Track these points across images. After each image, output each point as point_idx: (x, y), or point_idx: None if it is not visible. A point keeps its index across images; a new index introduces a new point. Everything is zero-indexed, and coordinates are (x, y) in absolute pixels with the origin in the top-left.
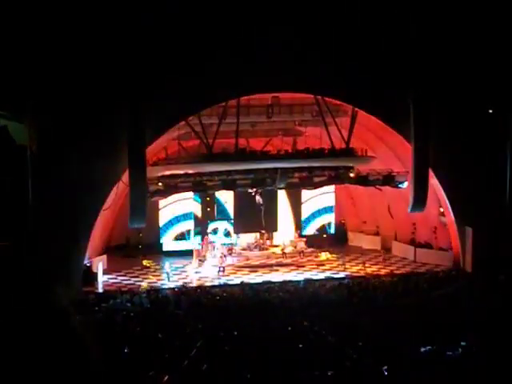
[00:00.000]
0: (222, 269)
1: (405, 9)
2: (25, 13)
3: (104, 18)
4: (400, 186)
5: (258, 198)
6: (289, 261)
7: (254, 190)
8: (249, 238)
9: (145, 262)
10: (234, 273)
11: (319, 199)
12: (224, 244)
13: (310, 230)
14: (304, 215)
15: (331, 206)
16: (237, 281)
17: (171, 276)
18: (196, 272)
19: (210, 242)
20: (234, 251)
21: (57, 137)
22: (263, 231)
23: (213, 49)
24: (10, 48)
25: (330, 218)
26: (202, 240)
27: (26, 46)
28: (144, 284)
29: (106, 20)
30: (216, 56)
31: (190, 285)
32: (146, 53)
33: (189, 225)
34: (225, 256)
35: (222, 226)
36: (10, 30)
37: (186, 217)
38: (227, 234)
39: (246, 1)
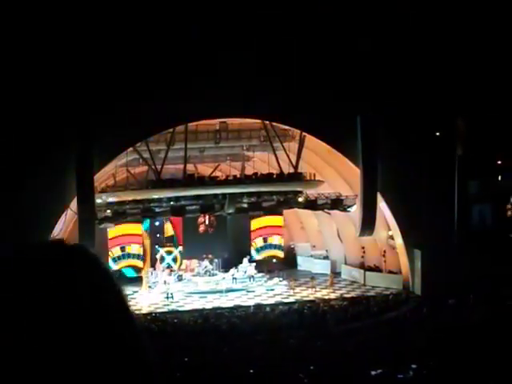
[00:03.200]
0: (170, 295)
1: (352, 32)
2: None
3: (52, 46)
4: (348, 209)
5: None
6: (239, 286)
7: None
8: (198, 263)
9: None
10: (184, 299)
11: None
12: (168, 266)
13: (259, 255)
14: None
15: (280, 245)
16: (187, 307)
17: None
18: (145, 298)
19: (161, 268)
20: (183, 277)
21: (4, 167)
22: (212, 257)
23: (160, 75)
24: None
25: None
26: (153, 266)
27: None
28: None
29: (55, 48)
30: (163, 82)
31: (140, 311)
32: (94, 80)
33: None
34: (168, 283)
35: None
36: None
37: (136, 256)
38: (174, 260)
39: (194, 27)
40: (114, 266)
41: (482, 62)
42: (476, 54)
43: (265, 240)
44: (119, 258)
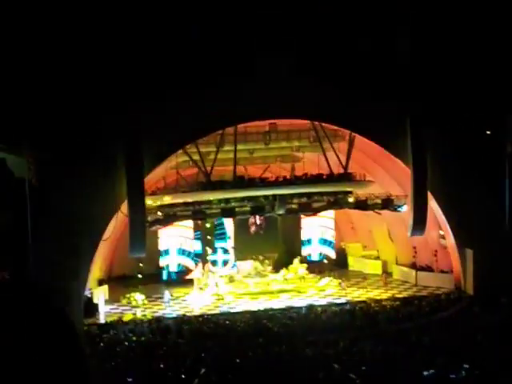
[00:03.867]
0: (221, 297)
1: (399, 32)
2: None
3: (97, 47)
4: (399, 209)
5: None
6: (290, 287)
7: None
8: (249, 265)
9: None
10: (235, 301)
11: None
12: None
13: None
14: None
15: (331, 242)
16: (238, 308)
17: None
18: (197, 300)
19: (211, 270)
20: (234, 279)
21: (56, 169)
22: (263, 258)
23: (209, 77)
24: (6, 80)
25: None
26: (203, 268)
27: (23, 80)
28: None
29: (100, 50)
30: (213, 84)
31: (192, 313)
32: (142, 84)
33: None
34: (219, 285)
35: (221, 256)
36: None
37: (186, 253)
38: (225, 263)
39: (244, 29)
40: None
41: None
42: None
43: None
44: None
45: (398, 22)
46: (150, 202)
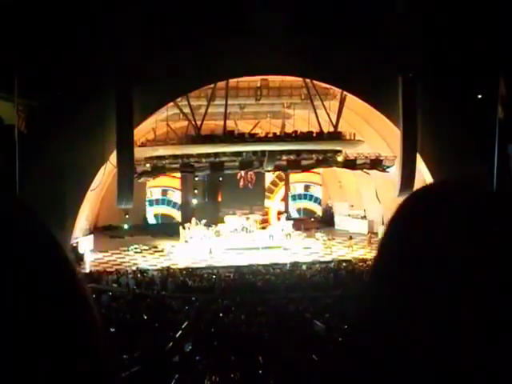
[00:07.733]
0: (209, 250)
1: None
2: None
3: None
4: (387, 170)
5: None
6: (276, 243)
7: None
8: (236, 220)
9: None
10: (220, 255)
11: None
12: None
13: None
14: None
15: (318, 198)
16: (224, 263)
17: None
18: (182, 253)
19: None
20: (221, 233)
21: (45, 117)
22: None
23: (203, 31)
24: None
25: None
26: (189, 221)
27: (13, 25)
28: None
29: None
30: (206, 38)
31: (177, 266)
32: (136, 33)
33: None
34: (205, 238)
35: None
36: None
37: (174, 205)
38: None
39: None
40: (149, 210)
41: None
42: None
43: (306, 188)
44: (157, 202)
45: None
46: (139, 154)
